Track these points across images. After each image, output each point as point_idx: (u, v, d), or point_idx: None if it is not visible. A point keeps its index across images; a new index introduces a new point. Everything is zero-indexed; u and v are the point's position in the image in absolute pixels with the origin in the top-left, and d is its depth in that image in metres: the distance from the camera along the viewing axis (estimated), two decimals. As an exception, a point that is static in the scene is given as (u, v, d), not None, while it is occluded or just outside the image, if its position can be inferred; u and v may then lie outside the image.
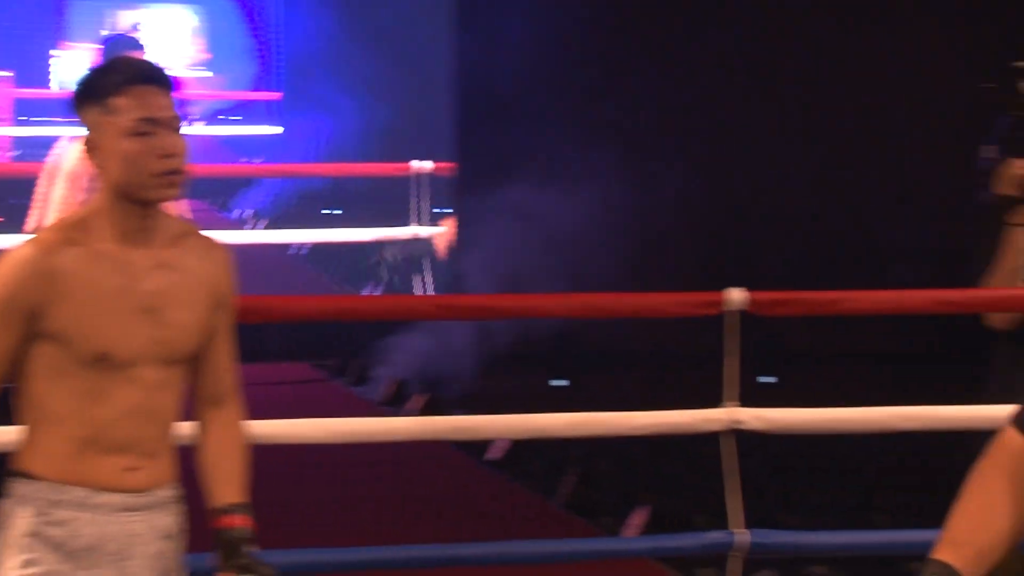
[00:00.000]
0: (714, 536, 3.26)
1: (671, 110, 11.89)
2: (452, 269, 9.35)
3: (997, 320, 3.33)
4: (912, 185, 11.42)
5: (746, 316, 3.44)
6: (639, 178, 9.75)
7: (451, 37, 10.12)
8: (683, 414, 3.48)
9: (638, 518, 5.86)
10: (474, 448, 6.65)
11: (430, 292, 9.08)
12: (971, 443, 7.26)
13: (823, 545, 3.96)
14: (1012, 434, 1.78)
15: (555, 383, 8.70)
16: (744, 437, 6.89)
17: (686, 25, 11.05)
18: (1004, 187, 3.31)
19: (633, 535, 5.40)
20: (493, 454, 6.44)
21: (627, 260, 9.14)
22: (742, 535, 3.20)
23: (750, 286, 3.70)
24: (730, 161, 12.18)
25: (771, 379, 7.10)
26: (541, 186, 8.96)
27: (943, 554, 1.78)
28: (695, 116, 12.21)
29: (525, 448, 6.74)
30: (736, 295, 3.35)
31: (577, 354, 9.48)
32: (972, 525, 1.79)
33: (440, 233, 9.15)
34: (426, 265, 9.21)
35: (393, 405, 7.33)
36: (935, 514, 5.28)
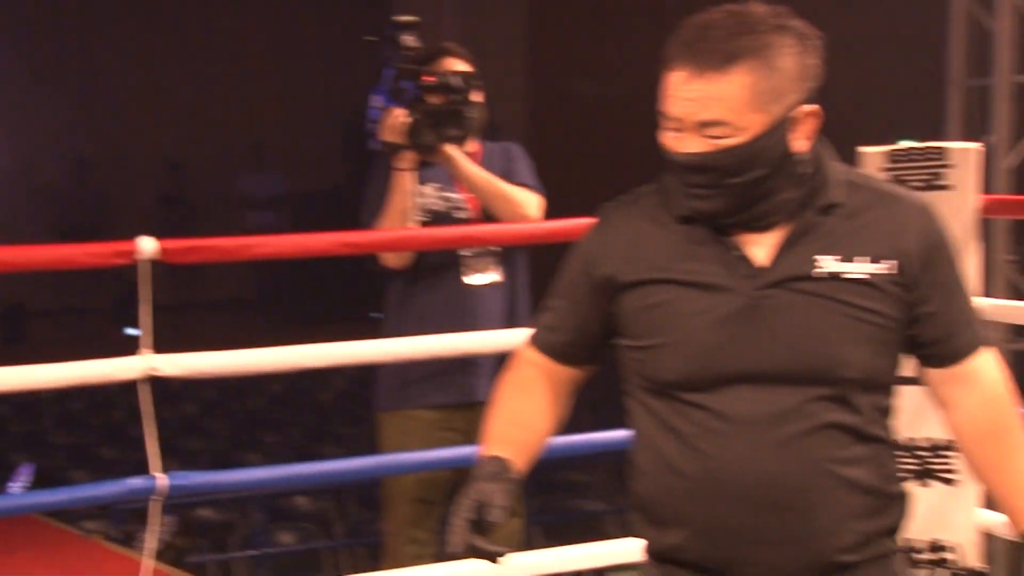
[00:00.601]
0: (136, 482, 3.24)
1: (37, 52, 11.46)
2: None
3: (391, 259, 3.55)
4: (268, 138, 12.05)
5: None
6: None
7: None
8: (99, 364, 3.35)
9: (23, 474, 5.62)
10: None
11: None
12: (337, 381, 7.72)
13: (239, 484, 4.06)
14: (532, 352, 2.02)
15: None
16: (100, 392, 6.83)
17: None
18: (389, 135, 3.53)
19: (19, 491, 5.16)
20: None
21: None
22: (162, 479, 3.23)
23: (106, 237, 3.59)
24: (94, 112, 12.12)
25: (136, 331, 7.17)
26: None
27: (493, 451, 1.94)
28: (61, 62, 11.99)
29: None
30: (148, 244, 3.28)
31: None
32: (513, 426, 2.00)
33: None
34: None
35: None
36: (304, 451, 5.62)
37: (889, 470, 2.00)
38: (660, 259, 1.91)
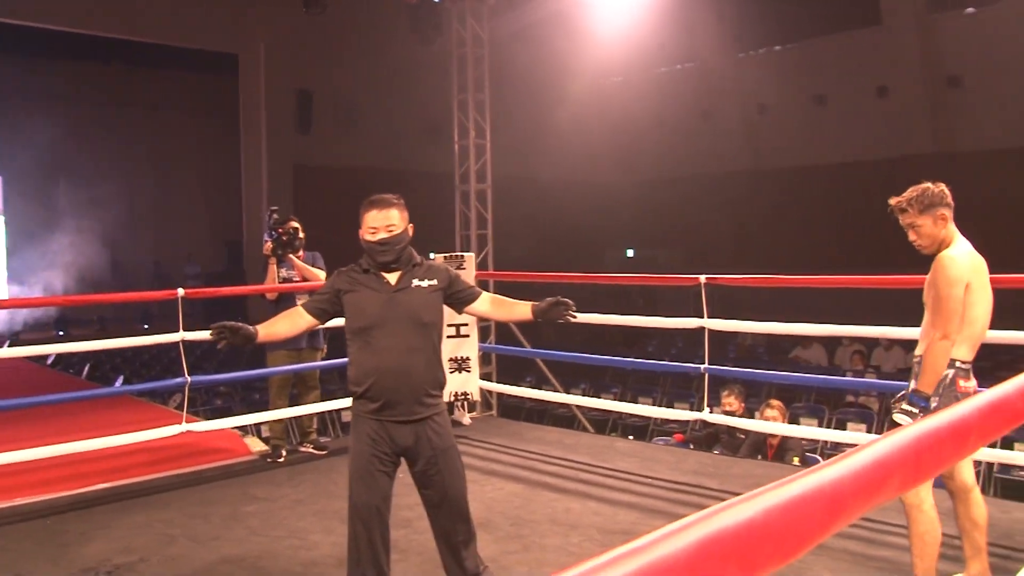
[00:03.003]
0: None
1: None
2: None
3: (269, 295, 6.87)
4: (194, 250, 21.06)
5: None
6: None
7: None
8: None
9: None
10: None
11: None
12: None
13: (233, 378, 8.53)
14: (302, 308, 3.88)
15: None
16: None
17: None
18: (266, 251, 6.81)
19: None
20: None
21: None
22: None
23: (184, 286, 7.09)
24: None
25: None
26: None
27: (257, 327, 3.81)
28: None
29: None
30: (180, 291, 6.47)
31: None
32: (272, 325, 3.90)
33: None
34: None
35: None
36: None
37: (439, 362, 3.79)
38: (355, 284, 3.77)
